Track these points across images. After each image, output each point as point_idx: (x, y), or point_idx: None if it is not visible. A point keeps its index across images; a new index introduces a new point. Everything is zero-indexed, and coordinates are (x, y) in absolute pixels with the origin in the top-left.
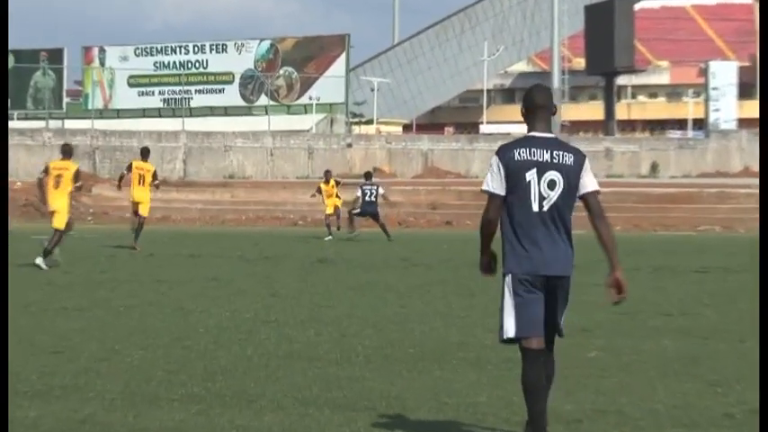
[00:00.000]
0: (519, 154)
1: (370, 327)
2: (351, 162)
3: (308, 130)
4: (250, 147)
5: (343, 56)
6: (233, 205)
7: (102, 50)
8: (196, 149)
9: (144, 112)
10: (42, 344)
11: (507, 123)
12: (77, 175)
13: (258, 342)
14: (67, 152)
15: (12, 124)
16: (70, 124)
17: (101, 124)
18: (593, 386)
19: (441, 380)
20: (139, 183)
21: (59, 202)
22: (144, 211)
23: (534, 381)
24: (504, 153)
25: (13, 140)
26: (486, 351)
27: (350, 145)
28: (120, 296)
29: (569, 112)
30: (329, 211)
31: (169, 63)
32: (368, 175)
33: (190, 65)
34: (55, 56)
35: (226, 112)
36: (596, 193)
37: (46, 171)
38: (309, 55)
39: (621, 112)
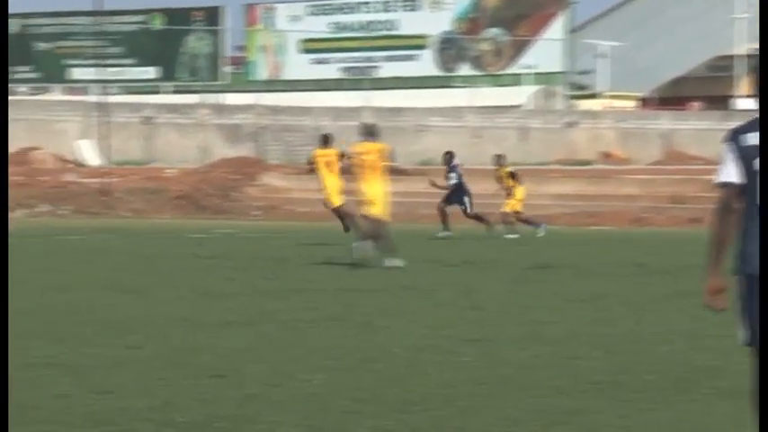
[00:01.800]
0: (749, 138)
1: (598, 348)
2: (573, 145)
3: (519, 106)
4: (449, 126)
5: (564, 14)
6: (427, 197)
7: (268, 9)
8: (383, 130)
9: (320, 84)
10: (200, 365)
11: None
12: (384, 154)
13: (461, 365)
14: (371, 133)
15: (161, 99)
16: (231, 99)
17: (267, 99)
18: None
19: (687, 413)
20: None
21: (373, 189)
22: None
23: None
24: (735, 137)
25: (162, 118)
26: (744, 379)
27: (572, 124)
28: (293, 308)
29: None
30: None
31: (350, 24)
32: (451, 156)
33: (375, 26)
34: (212, 16)
35: (419, 83)
36: None
37: (350, 156)
38: (521, 13)
39: None
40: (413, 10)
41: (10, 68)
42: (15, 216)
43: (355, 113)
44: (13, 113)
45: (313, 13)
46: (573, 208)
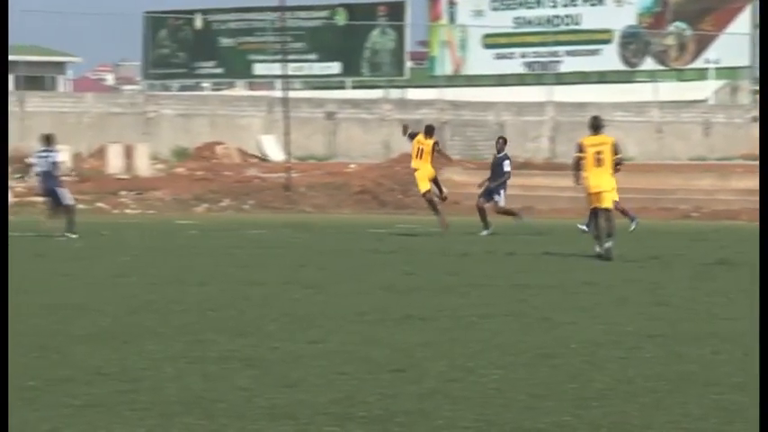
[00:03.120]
0: None
1: None
2: (757, 140)
3: (704, 101)
4: (632, 121)
5: (750, 8)
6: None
7: (451, 3)
8: (566, 125)
9: (502, 79)
10: (380, 360)
11: None
12: (616, 149)
13: (642, 361)
14: (598, 126)
15: (344, 94)
16: (414, 94)
17: (450, 94)
18: None
19: None
20: (417, 156)
21: (605, 180)
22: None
23: None
24: None
25: (344, 113)
26: None
27: (757, 119)
28: (472, 304)
29: None
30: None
31: (533, 19)
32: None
33: (558, 21)
34: (396, 11)
35: (602, 78)
36: None
37: (581, 149)
38: (707, 7)
39: None
40: (596, 4)
41: (195, 64)
42: (197, 211)
43: (538, 109)
44: (197, 108)
45: (496, 8)
46: (756, 203)
